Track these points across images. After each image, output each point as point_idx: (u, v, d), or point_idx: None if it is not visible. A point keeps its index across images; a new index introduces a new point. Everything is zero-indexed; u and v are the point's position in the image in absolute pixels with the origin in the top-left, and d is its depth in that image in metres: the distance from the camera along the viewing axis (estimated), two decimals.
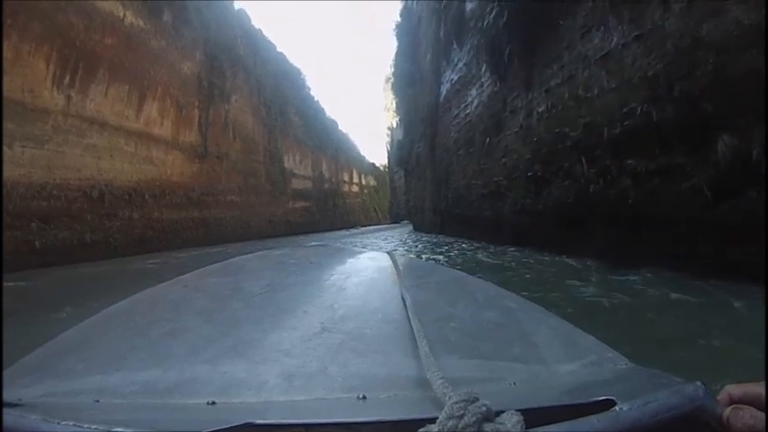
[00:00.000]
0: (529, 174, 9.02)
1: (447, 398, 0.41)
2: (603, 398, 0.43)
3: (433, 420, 0.38)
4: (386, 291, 0.99)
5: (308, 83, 33.48)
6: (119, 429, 0.40)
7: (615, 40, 6.24)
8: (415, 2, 22.15)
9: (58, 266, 9.41)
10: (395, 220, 43.04)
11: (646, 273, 5.64)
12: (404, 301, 0.82)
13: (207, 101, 18.77)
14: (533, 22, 8.44)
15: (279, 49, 28.78)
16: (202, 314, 0.85)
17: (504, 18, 9.22)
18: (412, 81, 22.40)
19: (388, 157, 45.67)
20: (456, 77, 14.65)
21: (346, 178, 44.55)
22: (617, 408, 0.41)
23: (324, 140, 35.83)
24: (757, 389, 0.40)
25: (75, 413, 0.46)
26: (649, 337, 3.19)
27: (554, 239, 8.32)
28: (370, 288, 1.15)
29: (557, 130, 7.77)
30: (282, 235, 23.15)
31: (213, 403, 0.51)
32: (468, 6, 12.68)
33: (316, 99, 35.42)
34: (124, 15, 13.39)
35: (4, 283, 4.78)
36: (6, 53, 9.41)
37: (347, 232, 29.12)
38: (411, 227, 26.08)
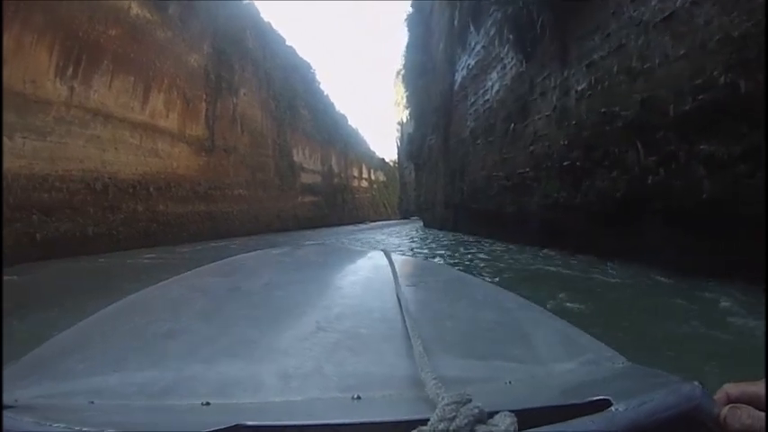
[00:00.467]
0: (564, 163, 7.95)
1: (440, 398, 0.40)
2: (599, 398, 0.43)
3: (425, 422, 0.37)
4: (382, 290, 0.98)
5: (318, 77, 33.31)
6: (110, 431, 0.40)
7: None
8: None
9: (58, 259, 9.29)
10: (404, 215, 43.09)
11: (725, 287, 4.41)
12: (399, 301, 0.82)
13: (214, 93, 18.63)
14: None
15: (288, 43, 28.65)
16: (199, 314, 0.85)
17: None
18: (424, 71, 21.89)
19: (398, 153, 45.51)
20: (473, 62, 13.83)
21: (356, 173, 44.36)
22: (613, 408, 0.41)
23: (333, 135, 35.64)
24: (755, 388, 0.40)
25: (70, 415, 0.46)
26: None
27: (593, 240, 7.19)
28: (366, 287, 1.14)
29: (603, 110, 6.73)
30: (291, 230, 23.01)
31: (208, 404, 0.51)
32: None
33: (326, 93, 35.28)
34: (129, 6, 13.22)
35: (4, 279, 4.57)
36: (7, 43, 9.27)
37: (356, 228, 28.87)
38: (421, 223, 25.50)
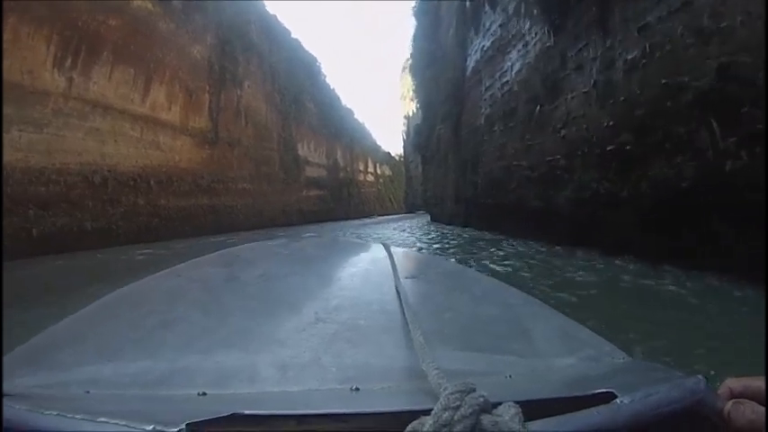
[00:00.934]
0: (608, 148, 6.88)
1: (442, 389, 0.39)
2: (604, 390, 0.43)
3: (427, 412, 0.36)
4: (381, 282, 0.97)
5: (324, 71, 32.93)
6: (104, 420, 0.40)
7: None
8: None
9: (56, 255, 9.10)
10: (410, 210, 42.89)
11: None
12: (398, 293, 0.81)
13: (218, 86, 18.36)
14: None
15: (293, 36, 28.27)
16: (195, 304, 0.84)
17: None
18: (433, 60, 21.41)
19: (404, 147, 45.16)
20: (488, 44, 13.05)
21: (361, 167, 44.03)
22: (618, 400, 0.41)
23: (339, 129, 35.31)
24: (758, 383, 0.40)
25: (65, 404, 0.46)
26: None
27: (642, 239, 6.18)
28: (365, 279, 1.15)
29: (664, 82, 5.67)
30: (296, 224, 22.80)
31: (204, 394, 0.50)
32: None
33: (332, 87, 34.92)
34: None
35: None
36: (5, 34, 9.04)
37: (361, 222, 28.59)
38: (428, 217, 25.03)
